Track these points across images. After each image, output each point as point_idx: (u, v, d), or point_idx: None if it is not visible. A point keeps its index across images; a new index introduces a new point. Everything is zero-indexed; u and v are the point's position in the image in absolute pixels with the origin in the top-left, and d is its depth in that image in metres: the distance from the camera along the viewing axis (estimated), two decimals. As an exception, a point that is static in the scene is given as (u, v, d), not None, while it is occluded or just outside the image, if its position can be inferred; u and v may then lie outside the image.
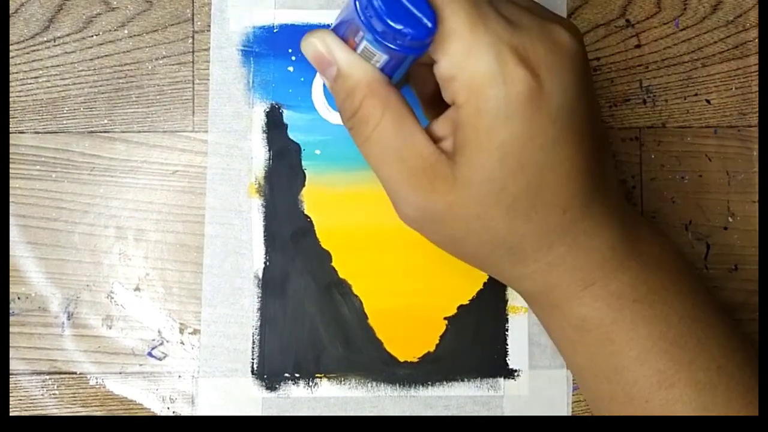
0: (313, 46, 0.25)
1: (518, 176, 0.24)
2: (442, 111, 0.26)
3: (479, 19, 0.23)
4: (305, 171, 0.34)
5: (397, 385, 0.34)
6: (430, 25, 0.23)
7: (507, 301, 0.34)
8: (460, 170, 0.24)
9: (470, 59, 0.23)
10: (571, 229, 0.26)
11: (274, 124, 0.34)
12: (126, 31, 0.34)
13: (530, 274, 0.27)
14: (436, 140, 0.25)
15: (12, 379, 0.33)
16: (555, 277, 0.27)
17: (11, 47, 0.34)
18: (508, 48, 0.23)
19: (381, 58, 0.24)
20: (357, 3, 0.23)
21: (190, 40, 0.34)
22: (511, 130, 0.24)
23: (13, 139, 0.34)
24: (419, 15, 0.23)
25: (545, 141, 0.24)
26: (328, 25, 0.34)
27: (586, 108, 0.25)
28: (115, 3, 0.34)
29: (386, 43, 0.23)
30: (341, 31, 0.25)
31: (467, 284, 0.34)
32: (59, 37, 0.34)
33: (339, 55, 0.25)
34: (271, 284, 0.34)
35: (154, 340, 0.34)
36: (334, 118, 0.34)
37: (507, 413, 0.34)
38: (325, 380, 0.33)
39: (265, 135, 0.34)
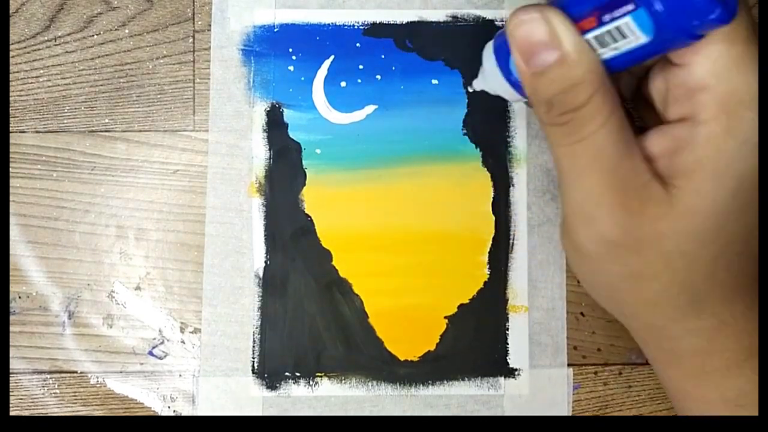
0: (527, 24, 0.21)
1: (742, 217, 0.21)
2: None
3: (753, 31, 0.20)
4: (306, 170, 0.34)
5: (398, 384, 0.34)
6: (733, 5, 0.19)
7: (507, 300, 0.34)
8: (681, 196, 0.21)
9: (736, 71, 0.20)
10: (754, 286, 0.22)
11: (275, 124, 0.34)
12: (127, 31, 0.34)
13: (698, 330, 0.23)
14: (646, 159, 0.22)
15: (12, 378, 0.33)
16: (722, 339, 0.23)
17: (12, 46, 0.34)
18: None
19: (630, 43, 0.20)
20: None
21: (191, 40, 0.34)
22: (754, 161, 0.20)
23: (14, 139, 0.34)
24: None
25: None
26: (329, 25, 0.34)
27: None
28: (115, 2, 0.34)
29: (671, 20, 0.19)
30: (574, 7, 0.21)
31: (468, 283, 0.34)
32: (60, 37, 0.34)
33: (568, 38, 0.20)
34: (271, 283, 0.34)
35: (154, 339, 0.34)
36: (335, 117, 0.34)
37: (507, 412, 0.34)
38: (325, 379, 0.33)
39: (265, 134, 0.34)
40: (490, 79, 0.25)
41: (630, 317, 0.25)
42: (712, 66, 0.20)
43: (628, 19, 0.20)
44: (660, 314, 0.24)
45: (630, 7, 0.19)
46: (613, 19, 0.20)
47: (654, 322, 0.24)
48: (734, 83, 0.20)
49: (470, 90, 0.31)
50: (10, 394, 0.33)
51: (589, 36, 0.21)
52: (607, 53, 0.21)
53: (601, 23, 0.20)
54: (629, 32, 0.20)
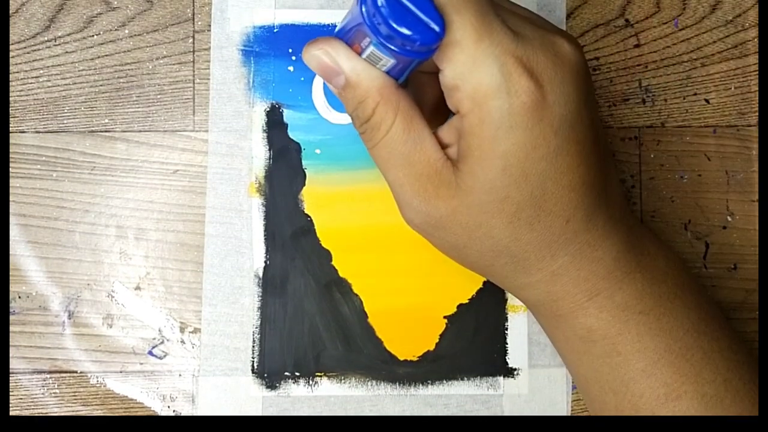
0: (316, 58, 0.25)
1: (521, 185, 0.24)
2: (442, 117, 0.26)
3: (485, 30, 0.23)
4: (305, 170, 0.34)
5: (397, 383, 0.34)
6: (437, 29, 0.23)
7: (507, 300, 0.34)
8: (463, 178, 0.25)
9: (475, 70, 0.23)
10: (575, 240, 0.26)
11: (275, 124, 0.34)
12: (126, 31, 0.34)
13: (534, 283, 0.27)
14: (442, 146, 0.25)
15: (12, 378, 0.33)
16: (559, 287, 0.27)
17: (12, 47, 0.34)
18: (512, 59, 0.23)
19: (388, 62, 0.24)
20: (363, 8, 0.23)
21: (191, 40, 0.34)
22: (514, 140, 0.24)
23: (14, 139, 0.34)
24: (426, 20, 0.23)
25: (548, 151, 0.24)
26: (328, 25, 0.34)
27: (589, 120, 0.25)
28: (115, 3, 0.34)
29: (394, 48, 0.23)
30: (346, 36, 0.25)
31: (467, 283, 0.34)
32: (60, 37, 0.34)
33: (345, 64, 0.25)
34: (271, 283, 0.34)
35: (154, 338, 0.34)
36: (334, 117, 0.34)
37: (506, 412, 0.34)
38: (325, 379, 0.33)
39: (265, 134, 0.34)
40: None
41: (481, 274, 0.29)
42: (455, 69, 0.24)
43: (372, 47, 0.24)
44: (494, 274, 0.28)
45: (368, 40, 0.23)
46: (365, 47, 0.24)
47: (495, 278, 0.28)
48: (475, 80, 0.23)
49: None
50: (10, 393, 0.33)
51: (363, 57, 0.25)
52: (382, 68, 0.25)
53: (362, 49, 0.24)
54: (380, 56, 0.24)
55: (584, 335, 0.27)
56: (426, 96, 0.28)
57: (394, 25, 0.22)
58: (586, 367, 0.28)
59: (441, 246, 0.27)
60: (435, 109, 0.28)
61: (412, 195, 0.26)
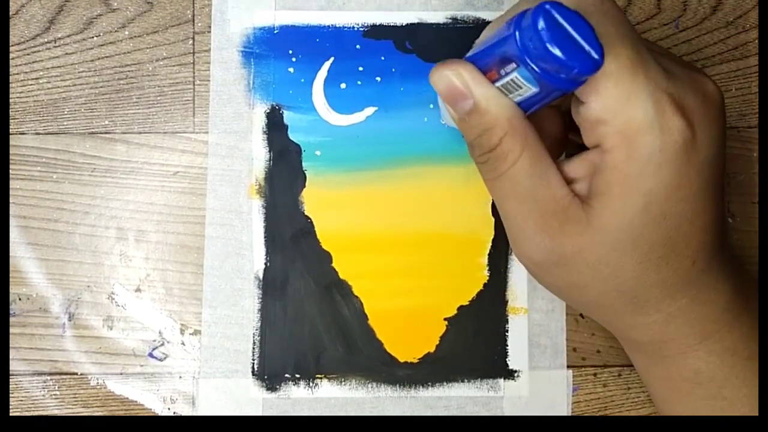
0: (446, 78, 0.24)
1: (659, 225, 0.24)
2: (556, 153, 0.26)
3: (640, 65, 0.23)
4: (306, 172, 0.34)
5: (397, 385, 0.34)
6: (597, 58, 0.22)
7: (507, 301, 0.34)
8: (596, 215, 0.24)
9: (627, 104, 0.23)
10: (696, 281, 0.25)
11: (275, 125, 0.34)
12: (126, 33, 0.34)
13: (650, 324, 0.26)
14: (568, 182, 0.25)
15: (13, 380, 0.33)
16: (673, 329, 0.26)
17: (12, 48, 0.34)
18: (666, 96, 0.23)
19: (527, 91, 0.23)
20: (518, 31, 0.22)
21: (191, 42, 0.34)
22: (660, 179, 0.23)
23: (14, 140, 0.34)
24: (587, 47, 0.22)
25: (690, 192, 0.24)
26: (329, 27, 0.34)
27: (723, 161, 0.25)
28: (115, 4, 0.34)
29: (545, 75, 0.22)
30: (480, 61, 0.24)
31: (467, 285, 0.34)
32: (60, 38, 0.34)
33: (477, 90, 0.24)
34: (271, 285, 0.34)
35: (154, 340, 0.34)
36: (335, 119, 0.34)
37: (507, 414, 0.34)
38: (325, 381, 0.33)
39: (265, 136, 0.34)
40: (446, 118, 0.28)
41: (588, 313, 0.28)
42: (605, 103, 0.23)
43: (515, 74, 0.23)
44: (608, 314, 0.27)
45: (513, 65, 0.22)
46: (506, 74, 0.23)
47: (606, 318, 0.28)
48: (627, 115, 0.23)
49: (442, 122, 0.34)
50: (11, 395, 0.33)
51: (497, 85, 0.24)
52: (516, 98, 0.24)
53: (500, 76, 0.23)
54: (521, 84, 0.23)
55: (690, 377, 0.27)
56: (545, 131, 0.27)
57: (552, 50, 0.21)
58: (685, 408, 0.28)
59: (557, 284, 0.27)
60: (553, 145, 0.27)
61: (534, 230, 0.25)
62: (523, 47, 0.22)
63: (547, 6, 0.22)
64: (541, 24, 0.21)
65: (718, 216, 0.25)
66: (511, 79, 0.23)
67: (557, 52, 0.21)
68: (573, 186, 0.25)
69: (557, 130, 0.27)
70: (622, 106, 0.23)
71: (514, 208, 0.25)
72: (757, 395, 0.26)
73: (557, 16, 0.21)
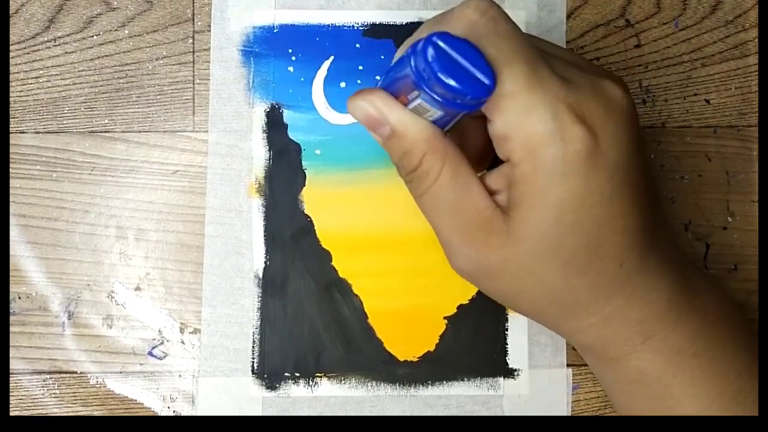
0: (362, 109, 0.25)
1: (576, 232, 0.24)
2: (485, 162, 0.26)
3: (536, 80, 0.23)
4: (305, 171, 0.34)
5: (397, 384, 0.34)
6: (488, 83, 0.22)
7: (507, 300, 0.34)
8: (515, 226, 0.24)
9: (527, 119, 0.23)
10: (629, 282, 0.26)
11: (275, 124, 0.34)
12: (126, 31, 0.34)
13: (586, 327, 0.26)
14: (490, 193, 0.25)
15: (12, 379, 0.33)
16: (611, 331, 0.26)
17: (12, 47, 0.34)
18: (564, 106, 0.23)
19: (435, 113, 0.24)
20: (413, 61, 0.22)
21: (191, 40, 0.34)
22: (567, 187, 0.24)
23: (14, 139, 0.34)
24: (478, 74, 0.22)
25: (602, 198, 0.24)
26: (329, 26, 0.34)
27: (640, 163, 0.25)
28: (115, 3, 0.34)
29: (443, 102, 0.23)
30: (391, 86, 0.25)
31: (467, 284, 0.34)
32: (60, 37, 0.34)
33: (392, 115, 0.24)
34: (271, 284, 0.34)
35: (154, 339, 0.34)
36: (334, 118, 0.34)
37: (507, 413, 0.34)
38: (325, 380, 0.33)
39: (265, 135, 0.34)
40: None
41: (531, 318, 0.28)
42: (506, 120, 0.23)
43: (419, 100, 0.23)
44: (547, 320, 0.27)
45: (416, 93, 0.23)
46: (413, 99, 0.24)
47: (547, 324, 0.28)
48: (528, 130, 0.23)
49: None
50: (10, 394, 0.33)
51: (410, 108, 0.24)
52: (429, 118, 0.24)
53: (409, 101, 0.24)
54: (427, 108, 0.24)
55: (637, 378, 0.27)
56: (470, 142, 0.28)
57: (444, 79, 0.22)
58: (636, 410, 0.28)
59: (493, 294, 0.27)
60: (479, 155, 0.28)
61: (461, 243, 0.25)
62: (418, 77, 0.23)
63: (434, 38, 0.22)
64: (430, 55, 0.22)
65: (642, 215, 0.25)
66: (419, 104, 0.24)
67: (449, 81, 0.22)
68: (495, 197, 0.25)
69: (481, 141, 0.27)
70: (522, 122, 0.23)
71: (441, 222, 0.26)
72: (703, 394, 0.26)
73: (445, 47, 0.22)
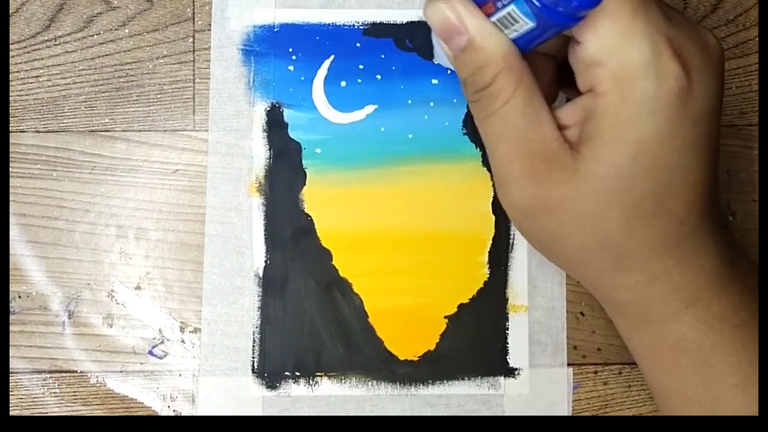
0: (440, 12, 0.23)
1: (648, 177, 0.23)
2: (549, 103, 0.25)
3: (640, 5, 0.22)
4: (306, 170, 0.34)
5: (398, 383, 0.34)
6: None
7: (507, 299, 0.34)
8: (584, 162, 0.23)
9: (624, 45, 0.22)
10: (684, 243, 0.24)
11: (275, 123, 0.34)
12: (127, 31, 0.34)
13: (631, 284, 0.25)
14: (560, 128, 0.24)
15: (12, 378, 0.33)
16: (657, 291, 0.25)
17: (12, 46, 0.34)
18: (665, 39, 0.22)
19: (524, 26, 0.22)
20: None
21: (191, 40, 0.34)
22: (653, 126, 0.22)
23: (14, 138, 0.34)
24: None
25: (683, 144, 0.23)
26: (329, 25, 0.34)
27: (718, 119, 0.24)
28: (115, 2, 0.34)
29: (545, 9, 0.21)
30: None
31: (468, 283, 0.34)
32: (60, 37, 0.34)
33: (472, 23, 0.23)
34: (271, 283, 0.34)
35: (154, 338, 0.34)
36: (335, 116, 0.34)
37: (507, 412, 0.34)
38: (325, 379, 0.33)
39: (265, 134, 0.34)
40: (440, 56, 0.27)
41: (568, 270, 0.27)
42: (601, 42, 0.22)
43: (512, 7, 0.22)
44: (589, 270, 0.26)
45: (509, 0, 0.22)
46: (503, 6, 0.22)
47: (587, 275, 0.27)
48: (624, 56, 0.22)
49: (435, 62, 0.32)
50: (10, 393, 0.33)
51: (493, 19, 0.23)
52: (512, 34, 0.23)
53: (496, 9, 0.22)
54: (518, 18, 0.22)
55: (675, 344, 0.26)
56: (538, 77, 0.25)
57: None
58: (671, 378, 0.26)
59: (539, 235, 0.26)
60: (544, 93, 0.26)
61: (521, 173, 0.24)
62: None
63: None
64: None
65: (710, 175, 0.24)
66: (508, 13, 0.22)
67: None
68: (565, 132, 0.24)
69: (549, 78, 0.26)
70: (618, 47, 0.22)
71: (503, 148, 0.24)
72: (745, 363, 0.25)
73: None
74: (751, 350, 0.25)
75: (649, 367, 0.28)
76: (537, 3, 0.21)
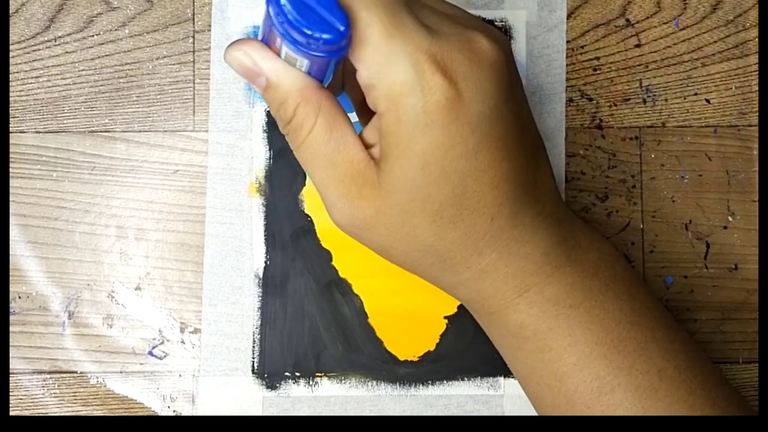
0: (237, 59, 0.25)
1: (441, 184, 0.24)
2: (371, 115, 0.26)
3: (395, 28, 0.23)
4: (306, 170, 0.34)
5: (398, 384, 0.34)
6: (342, 28, 0.22)
7: (507, 300, 0.34)
8: (385, 177, 0.24)
9: (387, 68, 0.23)
10: (501, 237, 0.26)
11: (275, 124, 0.34)
12: (127, 31, 0.34)
13: (464, 281, 0.27)
14: (367, 146, 0.25)
15: (12, 379, 0.33)
16: (488, 285, 0.26)
17: (12, 47, 0.34)
18: (425, 56, 0.23)
19: (303, 62, 0.24)
20: (270, 10, 0.23)
21: (191, 40, 0.34)
22: (430, 138, 0.24)
23: (14, 139, 0.34)
24: (330, 18, 0.23)
25: (466, 149, 0.24)
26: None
27: (512, 116, 0.25)
28: (115, 3, 0.34)
29: (302, 48, 0.23)
30: (265, 38, 0.25)
31: (467, 283, 0.34)
32: (60, 37, 0.34)
33: (265, 65, 0.25)
34: (271, 283, 0.34)
35: (154, 339, 0.34)
36: (335, 117, 0.34)
37: (507, 412, 0.34)
38: (325, 379, 0.33)
39: (265, 134, 0.34)
40: None
41: (416, 275, 0.28)
42: (369, 68, 0.23)
43: (285, 48, 0.24)
44: (425, 274, 0.27)
45: (280, 41, 0.23)
46: (281, 48, 0.24)
47: (428, 278, 0.28)
48: (390, 79, 0.23)
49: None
50: (10, 394, 0.33)
51: (282, 58, 0.24)
52: (303, 69, 0.24)
53: (279, 51, 0.24)
54: (295, 56, 0.24)
55: (516, 332, 0.27)
56: (358, 96, 0.28)
57: (297, 25, 0.22)
58: (521, 364, 0.28)
59: (370, 247, 0.27)
60: (362, 107, 0.28)
61: (336, 196, 0.25)
62: (276, 24, 0.23)
63: None
64: (283, 0, 0.22)
65: (517, 170, 0.25)
66: (286, 53, 0.24)
67: (300, 26, 0.22)
68: (371, 151, 0.25)
69: (362, 94, 0.27)
70: (384, 71, 0.23)
71: (318, 174, 0.25)
72: (581, 343, 0.26)
73: None
74: (587, 328, 0.26)
75: (505, 356, 0.29)
76: (292, 44, 0.23)
